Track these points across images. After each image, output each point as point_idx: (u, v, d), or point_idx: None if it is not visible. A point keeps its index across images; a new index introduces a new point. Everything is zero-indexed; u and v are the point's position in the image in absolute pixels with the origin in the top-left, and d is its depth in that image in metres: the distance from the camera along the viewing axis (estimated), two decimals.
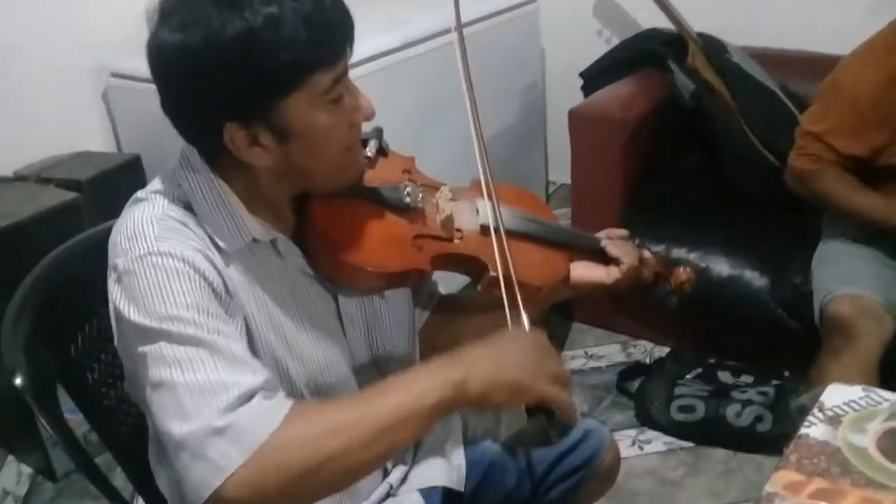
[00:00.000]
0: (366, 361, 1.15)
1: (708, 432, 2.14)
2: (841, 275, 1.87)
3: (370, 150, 1.12)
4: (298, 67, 0.92)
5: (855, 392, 1.14)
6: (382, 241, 1.08)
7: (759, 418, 2.10)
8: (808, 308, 1.92)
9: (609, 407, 2.32)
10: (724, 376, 2.24)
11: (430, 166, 1.26)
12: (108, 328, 0.99)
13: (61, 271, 1.18)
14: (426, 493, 1.20)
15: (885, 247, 1.90)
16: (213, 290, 0.94)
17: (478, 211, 1.19)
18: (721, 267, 2.27)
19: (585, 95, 2.70)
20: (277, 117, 0.94)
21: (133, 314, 0.92)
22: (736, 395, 2.16)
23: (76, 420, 1.20)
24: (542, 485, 1.32)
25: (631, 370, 2.40)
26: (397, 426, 0.90)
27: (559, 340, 2.59)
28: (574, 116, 2.47)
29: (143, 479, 1.12)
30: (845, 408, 1.11)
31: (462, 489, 1.24)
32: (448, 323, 1.30)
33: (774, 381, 2.18)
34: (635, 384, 2.34)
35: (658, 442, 2.18)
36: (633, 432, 2.22)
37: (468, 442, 1.31)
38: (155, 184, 1.03)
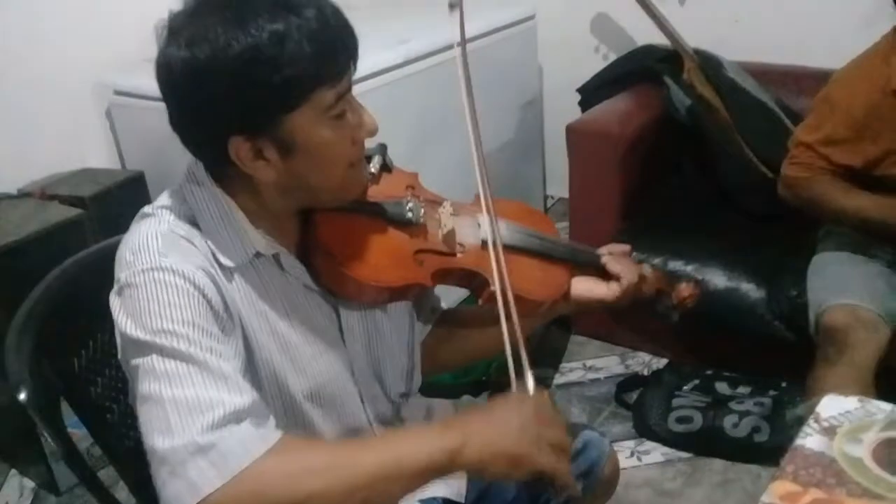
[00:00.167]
0: (367, 374, 1.16)
1: (706, 443, 2.15)
2: (835, 285, 1.87)
3: (374, 166, 1.13)
4: (302, 83, 0.93)
5: (850, 403, 1.15)
6: (384, 255, 1.09)
7: (756, 429, 2.11)
8: (804, 319, 1.93)
9: (608, 418, 2.33)
10: (722, 387, 2.25)
11: (432, 180, 1.27)
12: (111, 343, 1.00)
13: (65, 287, 1.19)
14: (426, 503, 1.20)
15: (880, 257, 1.91)
16: (212, 307, 0.95)
17: (479, 226, 1.19)
18: (718, 279, 2.28)
19: (583, 111, 2.72)
20: (282, 131, 0.96)
21: (129, 327, 0.93)
22: (733, 405, 2.16)
23: (79, 434, 1.20)
24: (541, 497, 1.33)
25: (629, 382, 2.41)
26: (381, 481, 0.90)
27: (558, 352, 2.60)
28: (571, 132, 2.48)
29: (146, 494, 1.12)
30: (841, 418, 1.12)
31: (462, 500, 1.25)
32: (450, 337, 1.31)
33: (772, 392, 2.19)
34: (634, 395, 2.34)
35: (656, 453, 2.18)
36: (631, 443, 2.22)
37: None
38: (162, 199, 1.04)
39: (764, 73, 2.61)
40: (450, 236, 1.16)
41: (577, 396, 2.41)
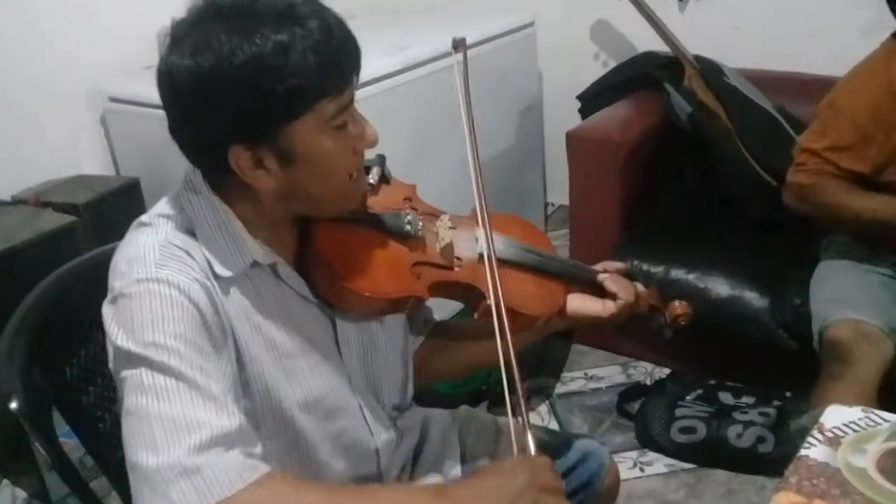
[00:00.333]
0: (362, 386, 1.16)
1: (709, 454, 2.13)
2: (839, 298, 1.86)
3: (373, 177, 1.13)
4: (305, 94, 0.93)
5: (854, 413, 1.14)
6: (382, 267, 1.09)
7: (760, 439, 2.09)
8: (807, 329, 1.91)
9: (609, 428, 2.31)
10: (725, 397, 2.23)
11: (429, 189, 1.27)
12: (103, 352, 0.99)
13: (58, 295, 1.18)
14: None
15: (884, 268, 1.90)
16: (205, 322, 0.94)
17: (477, 240, 1.19)
18: (720, 288, 2.27)
19: (583, 118, 2.71)
20: (282, 141, 0.95)
21: (120, 338, 0.92)
22: (737, 416, 2.15)
23: (71, 444, 1.19)
24: None
25: (631, 391, 2.39)
26: None
27: (559, 361, 2.58)
28: (571, 139, 2.48)
29: None
30: (845, 429, 1.11)
31: None
32: (444, 348, 1.31)
33: (776, 402, 2.18)
34: (636, 406, 2.33)
35: (659, 464, 2.17)
36: (633, 454, 2.21)
37: (466, 461, 1.30)
38: (159, 207, 1.04)
39: (764, 80, 2.61)
40: (447, 249, 1.16)
41: (579, 406, 2.40)
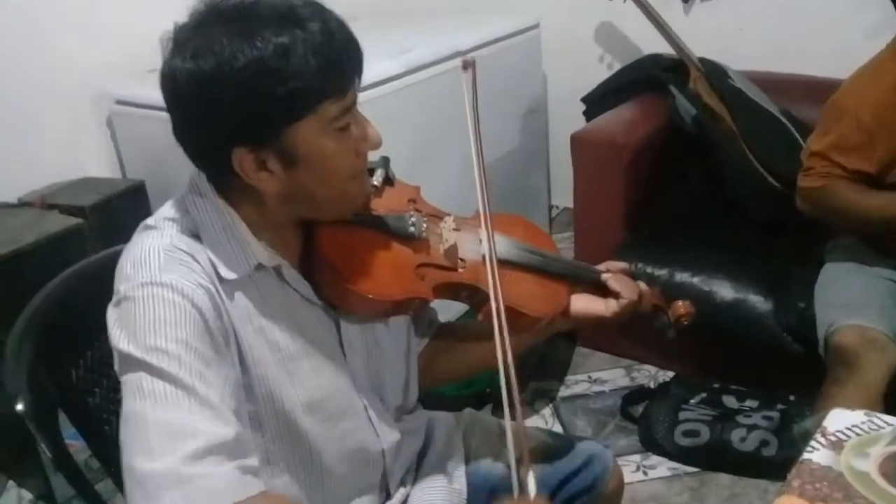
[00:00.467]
0: (367, 388, 1.16)
1: (713, 457, 2.13)
2: (845, 304, 1.85)
3: (377, 179, 1.13)
4: (307, 96, 0.94)
5: (857, 417, 1.14)
6: (386, 268, 1.09)
7: (764, 443, 2.09)
8: (812, 332, 1.91)
9: (613, 431, 2.31)
10: (729, 401, 2.23)
11: (433, 191, 1.27)
12: (109, 354, 0.99)
13: (64, 297, 1.18)
14: None
15: (890, 271, 1.89)
16: (208, 327, 0.94)
17: (481, 241, 1.19)
18: (725, 291, 2.26)
19: (587, 120, 2.72)
20: (285, 142, 0.96)
21: (122, 341, 0.92)
22: (741, 419, 2.14)
23: (78, 446, 1.19)
24: None
25: (635, 394, 2.39)
26: None
27: (563, 364, 2.58)
28: (576, 141, 2.48)
29: None
30: (848, 433, 1.11)
31: None
32: (448, 350, 1.31)
33: (780, 406, 2.17)
34: (639, 409, 2.33)
35: (662, 467, 2.16)
36: (637, 457, 2.20)
37: (470, 464, 1.30)
38: (165, 210, 1.04)
39: (769, 83, 2.61)
40: (451, 251, 1.16)
41: (582, 409, 2.40)
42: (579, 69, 3.07)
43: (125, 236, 1.03)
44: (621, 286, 1.26)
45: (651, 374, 2.52)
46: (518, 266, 1.21)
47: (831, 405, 1.65)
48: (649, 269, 2.33)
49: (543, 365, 2.54)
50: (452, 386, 2.22)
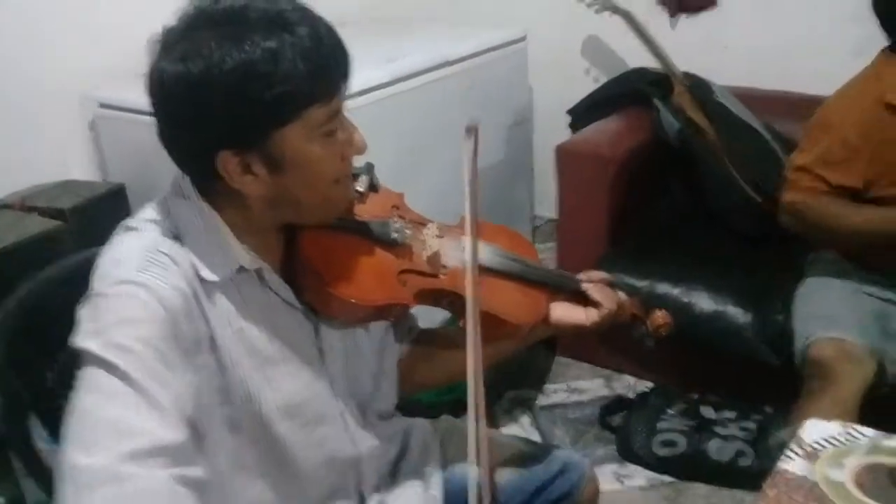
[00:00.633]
0: (344, 393, 1.15)
1: (690, 467, 2.14)
2: (822, 317, 1.86)
3: (361, 185, 1.12)
4: (295, 100, 0.94)
5: (833, 428, 1.15)
6: (368, 274, 1.09)
7: (740, 453, 2.10)
8: (790, 344, 1.92)
9: (591, 441, 2.31)
10: (707, 411, 2.24)
11: (418, 199, 1.27)
12: None
13: (37, 299, 1.17)
14: None
15: (869, 286, 1.90)
16: (177, 331, 0.93)
17: (464, 248, 1.19)
18: (705, 302, 2.28)
19: (573, 132, 2.73)
20: (271, 147, 0.96)
21: (85, 336, 0.91)
22: (718, 430, 2.15)
23: (50, 451, 1.18)
24: None
25: (613, 404, 2.39)
26: None
27: (542, 373, 2.58)
28: (561, 153, 2.49)
29: None
30: (823, 443, 1.12)
31: None
32: (428, 357, 1.31)
33: (756, 417, 2.18)
34: (618, 418, 2.33)
35: (640, 476, 2.17)
36: (615, 466, 2.20)
37: (447, 469, 1.30)
38: (147, 212, 1.04)
39: (753, 98, 2.63)
40: (434, 258, 1.16)
41: (561, 418, 2.40)
42: (565, 82, 3.08)
43: (105, 239, 1.03)
44: (601, 296, 1.27)
45: (630, 385, 2.52)
46: (499, 273, 1.22)
47: (807, 417, 1.67)
48: (631, 281, 2.34)
49: (522, 373, 2.54)
50: (430, 393, 2.21)
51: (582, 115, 2.78)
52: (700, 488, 2.11)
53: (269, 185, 0.98)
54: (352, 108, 1.03)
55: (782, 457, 1.10)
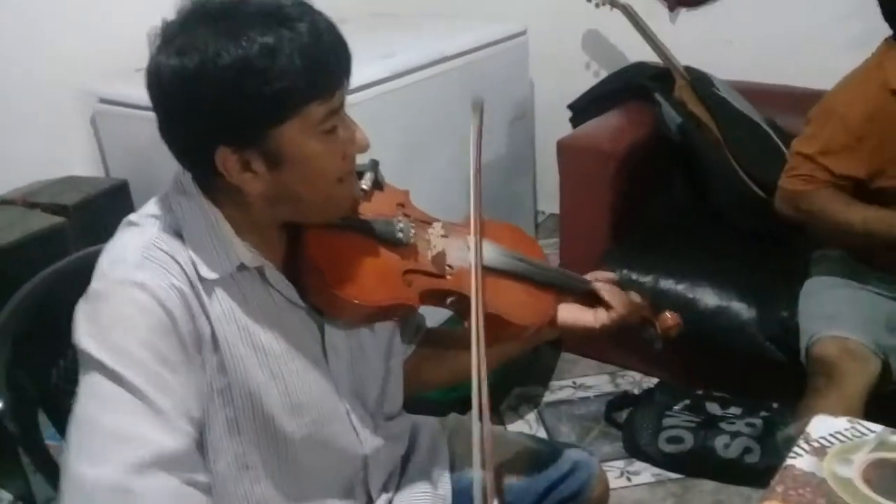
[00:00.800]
0: (349, 392, 1.14)
1: (696, 464, 2.13)
2: (827, 315, 1.86)
3: (366, 183, 1.11)
4: (293, 97, 0.92)
5: (841, 423, 1.15)
6: (372, 274, 1.08)
7: (747, 450, 2.09)
8: (795, 340, 1.92)
9: (597, 437, 2.31)
10: (713, 408, 2.23)
11: (420, 195, 1.26)
12: None
13: (43, 296, 1.17)
14: None
15: (874, 284, 1.90)
16: (176, 331, 0.93)
17: (469, 248, 1.18)
18: (708, 298, 2.27)
19: (574, 127, 2.72)
20: (270, 144, 0.94)
21: (84, 338, 0.91)
22: (724, 426, 2.15)
23: (57, 447, 1.18)
24: None
25: (619, 401, 2.39)
26: None
27: (548, 369, 2.58)
28: (562, 147, 2.49)
29: None
30: (831, 439, 1.12)
31: None
32: (435, 356, 1.30)
33: (763, 413, 2.18)
34: (623, 415, 2.33)
35: (646, 473, 2.17)
36: (621, 463, 2.20)
37: (455, 470, 1.29)
38: (148, 207, 1.03)
39: (755, 93, 2.62)
40: (439, 258, 1.15)
41: (567, 415, 2.40)
42: (566, 76, 3.08)
43: (108, 235, 1.02)
44: (613, 297, 1.26)
45: (635, 381, 2.52)
46: (505, 274, 1.21)
47: (812, 414, 1.66)
48: (634, 276, 2.34)
49: (528, 370, 2.54)
50: (438, 391, 2.22)
51: (583, 109, 2.78)
52: (707, 485, 2.11)
53: (268, 182, 0.97)
54: (351, 103, 1.02)
55: (790, 453, 1.09)
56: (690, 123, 2.46)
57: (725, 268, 2.34)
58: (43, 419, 1.12)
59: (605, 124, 2.61)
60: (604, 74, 2.98)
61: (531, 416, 2.40)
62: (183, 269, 0.96)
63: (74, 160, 2.37)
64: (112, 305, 0.91)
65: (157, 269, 0.94)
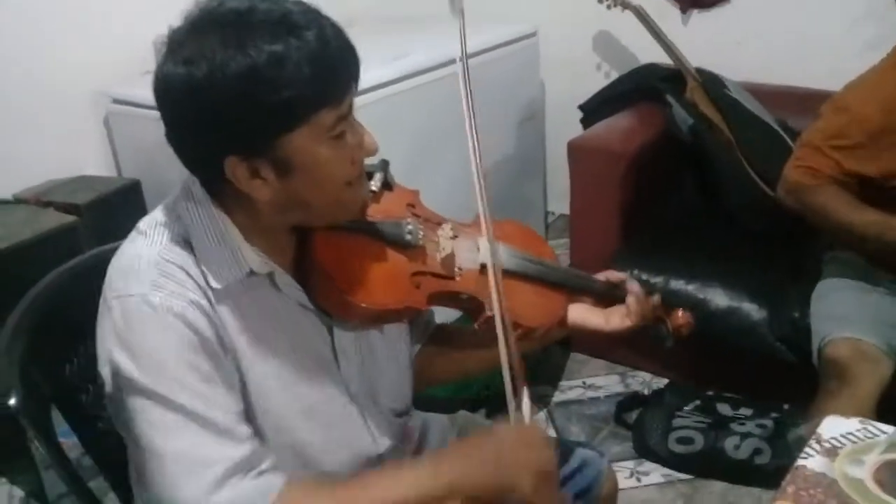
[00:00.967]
0: (360, 393, 1.15)
1: (706, 464, 2.13)
2: (839, 317, 1.84)
3: (375, 184, 1.11)
4: (301, 105, 0.92)
5: (852, 424, 1.14)
6: (380, 277, 1.07)
7: (757, 451, 2.09)
8: (806, 341, 1.91)
9: (607, 438, 2.31)
10: (723, 408, 2.23)
11: (429, 197, 1.26)
12: None
13: (57, 294, 1.18)
14: None
15: (886, 286, 1.88)
16: (204, 344, 0.95)
17: (478, 249, 1.18)
18: (719, 299, 2.27)
19: (585, 128, 2.72)
20: (279, 151, 0.94)
21: (125, 364, 0.94)
22: (735, 427, 2.15)
23: (70, 444, 1.19)
24: None
25: (629, 401, 2.39)
26: None
27: (558, 370, 2.58)
28: (573, 148, 2.48)
29: None
30: (842, 440, 1.11)
31: None
32: (443, 354, 1.31)
33: (773, 414, 2.17)
34: (633, 415, 2.33)
35: (656, 474, 2.16)
36: (630, 464, 2.20)
37: None
38: (157, 215, 1.03)
39: (766, 94, 2.62)
40: (448, 259, 1.15)
41: (577, 415, 2.40)
42: (577, 77, 3.07)
43: (120, 234, 1.03)
44: (631, 299, 1.25)
45: (645, 381, 2.52)
46: (515, 275, 1.20)
47: (824, 416, 1.66)
48: (644, 277, 2.34)
49: (538, 370, 2.54)
50: (447, 388, 2.22)
51: (594, 110, 2.78)
52: (717, 485, 2.10)
53: (278, 189, 0.97)
54: (359, 105, 1.01)
55: (801, 453, 1.09)
56: (702, 125, 2.45)
57: (736, 269, 2.33)
58: (56, 416, 1.13)
59: (615, 125, 2.61)
60: (615, 75, 2.98)
61: (541, 416, 2.40)
62: (196, 282, 0.97)
63: (87, 160, 2.38)
64: (142, 330, 0.93)
65: (173, 286, 0.95)
